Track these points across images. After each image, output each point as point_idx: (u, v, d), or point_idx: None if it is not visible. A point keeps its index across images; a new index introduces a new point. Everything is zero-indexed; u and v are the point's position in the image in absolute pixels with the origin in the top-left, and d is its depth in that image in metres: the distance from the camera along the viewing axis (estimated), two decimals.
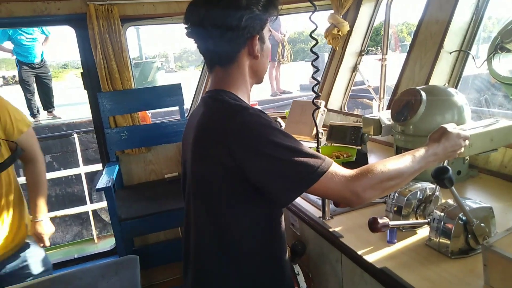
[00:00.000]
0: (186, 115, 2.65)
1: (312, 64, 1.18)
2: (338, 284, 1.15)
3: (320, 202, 1.29)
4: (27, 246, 1.51)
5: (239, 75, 0.97)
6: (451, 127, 1.01)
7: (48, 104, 6.17)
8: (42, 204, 1.54)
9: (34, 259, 1.51)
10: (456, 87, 1.84)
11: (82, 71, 2.47)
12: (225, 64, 0.96)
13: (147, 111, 2.73)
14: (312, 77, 1.21)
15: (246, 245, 0.93)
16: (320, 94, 1.14)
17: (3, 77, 8.65)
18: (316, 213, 1.26)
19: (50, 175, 3.61)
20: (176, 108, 2.60)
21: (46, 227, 1.53)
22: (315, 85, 1.36)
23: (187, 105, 2.70)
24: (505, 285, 0.76)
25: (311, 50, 1.14)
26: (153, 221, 2.08)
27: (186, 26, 0.96)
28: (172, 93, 2.54)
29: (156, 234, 2.67)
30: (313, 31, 1.07)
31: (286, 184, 0.83)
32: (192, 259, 1.00)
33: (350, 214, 1.22)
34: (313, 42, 1.14)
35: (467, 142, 1.03)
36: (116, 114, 2.43)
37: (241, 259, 0.93)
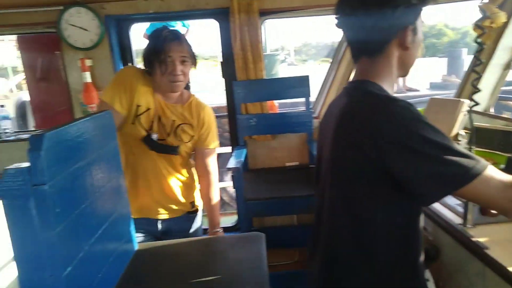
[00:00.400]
0: (310, 107, 2.69)
1: (475, 56, 1.08)
2: None
3: (459, 208, 1.19)
4: (192, 214, 1.73)
5: (386, 67, 0.95)
6: None
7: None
8: (216, 217, 1.70)
9: (194, 224, 1.75)
10: None
11: (221, 60, 2.71)
12: (372, 55, 0.95)
13: (275, 101, 2.85)
14: (473, 70, 1.11)
15: (381, 240, 0.91)
16: (480, 90, 1.05)
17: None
18: (454, 219, 1.17)
19: None
20: (300, 100, 2.66)
21: None
22: (476, 79, 1.24)
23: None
24: None
25: (475, 41, 1.05)
26: (274, 205, 2.18)
27: (336, 16, 0.98)
28: (300, 84, 2.60)
29: (273, 218, 2.81)
30: (480, 20, 0.98)
31: (433, 183, 0.79)
32: (322, 247, 1.02)
33: (499, 225, 1.10)
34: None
35: None
36: (248, 101, 2.60)
37: (375, 254, 0.92)
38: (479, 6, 2.29)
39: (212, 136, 1.67)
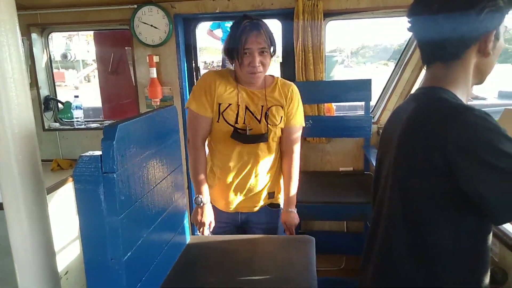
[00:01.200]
0: (370, 111, 2.61)
1: None
2: None
3: None
4: (274, 209, 1.76)
5: (461, 73, 0.89)
6: None
7: None
8: (293, 196, 1.73)
9: (275, 219, 1.77)
10: None
11: (281, 61, 2.71)
12: (448, 60, 0.89)
13: (332, 103, 2.81)
14: None
15: (443, 260, 0.85)
16: None
17: (205, 62, 10.29)
18: None
19: None
20: (358, 103, 2.59)
21: (294, 218, 1.72)
22: None
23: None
24: None
25: None
26: (324, 209, 2.16)
27: (409, 19, 0.93)
28: (361, 88, 2.53)
29: (321, 222, 2.77)
30: None
31: (507, 202, 0.73)
32: (377, 261, 0.97)
33: None
34: None
35: None
36: (306, 103, 2.57)
37: (435, 274, 0.85)
38: None
39: (299, 113, 1.69)
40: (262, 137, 1.60)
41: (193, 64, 2.78)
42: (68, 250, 2.05)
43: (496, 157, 0.73)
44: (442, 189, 0.81)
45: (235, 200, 1.68)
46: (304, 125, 1.73)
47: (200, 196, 1.62)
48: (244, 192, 1.67)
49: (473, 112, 0.77)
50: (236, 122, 1.61)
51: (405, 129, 0.89)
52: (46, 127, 2.86)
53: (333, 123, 2.60)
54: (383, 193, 0.97)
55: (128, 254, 0.98)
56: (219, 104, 1.60)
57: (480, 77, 0.92)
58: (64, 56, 6.24)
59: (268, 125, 1.61)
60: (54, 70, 3.18)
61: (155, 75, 2.61)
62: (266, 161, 1.66)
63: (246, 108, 1.61)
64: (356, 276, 1.08)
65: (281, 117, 1.64)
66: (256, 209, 1.71)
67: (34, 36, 2.74)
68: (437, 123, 0.81)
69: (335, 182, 2.50)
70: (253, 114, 1.62)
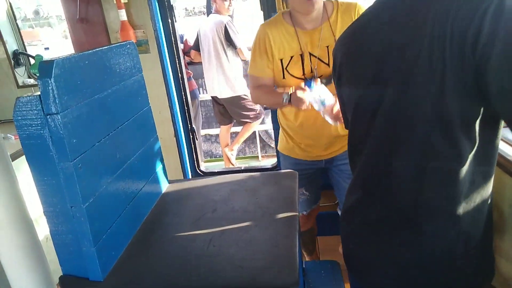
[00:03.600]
0: None
1: None
2: None
3: None
4: None
5: None
6: None
7: None
8: None
9: None
10: None
11: None
12: None
13: None
14: None
15: (468, 178, 0.75)
16: None
17: (186, 9, 9.70)
18: None
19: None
20: None
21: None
22: None
23: None
24: None
25: None
26: None
27: None
28: None
29: None
30: None
31: None
32: (383, 191, 0.86)
33: None
34: None
35: None
36: None
37: (459, 194, 0.77)
38: None
39: None
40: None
41: (166, 3, 2.58)
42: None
43: None
44: (471, 95, 0.68)
45: (320, 149, 1.65)
46: None
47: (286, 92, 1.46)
48: (324, 141, 1.62)
49: None
50: (303, 73, 1.49)
51: (413, 30, 0.72)
52: (20, 84, 2.73)
53: None
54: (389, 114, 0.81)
55: (90, 201, 0.92)
56: (281, 60, 1.49)
57: None
58: (36, 12, 5.88)
59: None
60: (28, 29, 2.97)
61: (125, 18, 2.43)
62: None
63: (310, 54, 1.48)
64: None
65: None
66: (339, 152, 1.67)
67: None
68: (464, 6, 0.64)
69: None
70: (319, 59, 1.47)
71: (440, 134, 0.73)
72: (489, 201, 0.82)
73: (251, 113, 3.49)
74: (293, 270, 0.92)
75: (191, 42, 3.65)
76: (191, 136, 2.67)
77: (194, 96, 3.40)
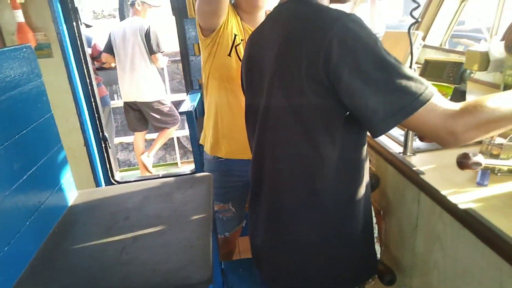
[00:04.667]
0: None
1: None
2: (411, 224, 1.07)
3: (400, 137, 1.19)
4: None
5: None
6: None
7: None
8: None
9: None
10: None
11: None
12: None
13: None
14: (411, 14, 0.98)
15: (333, 176, 0.85)
16: (419, 20, 0.96)
17: (94, 12, 9.16)
18: (395, 148, 1.17)
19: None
20: None
21: None
22: (415, 8, 1.13)
23: None
24: None
25: None
26: None
27: None
28: None
29: None
30: None
31: (382, 112, 0.71)
32: (267, 190, 0.95)
33: (436, 152, 1.10)
34: None
35: None
36: None
37: (322, 191, 0.86)
38: None
39: None
40: None
41: (70, 5, 2.43)
42: None
43: (371, 64, 0.71)
44: (327, 103, 0.78)
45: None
46: None
47: None
48: None
49: (350, 17, 0.74)
50: None
51: (283, 46, 0.82)
52: None
53: None
54: (264, 120, 0.92)
55: None
56: (235, 36, 1.39)
57: None
58: None
59: None
60: None
61: (22, 19, 2.24)
62: None
63: None
64: None
65: None
66: None
67: None
68: (316, 31, 0.75)
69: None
70: None
71: (303, 138, 0.83)
72: (361, 196, 0.91)
73: (169, 119, 3.44)
74: (207, 267, 0.95)
75: (101, 46, 3.48)
76: (103, 145, 2.54)
77: (105, 102, 3.25)
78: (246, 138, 1.53)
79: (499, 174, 0.94)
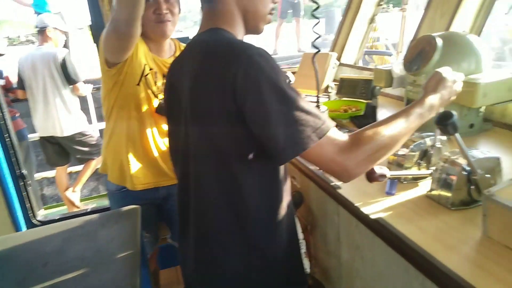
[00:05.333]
0: None
1: (313, 30, 1.03)
2: (335, 236, 1.13)
3: None
4: None
5: (225, 13, 0.88)
6: (445, 71, 0.90)
7: None
8: None
9: None
10: (479, 35, 1.70)
11: (90, 24, 2.42)
12: (208, 1, 0.88)
13: None
14: (312, 45, 1.06)
15: (253, 200, 0.86)
16: (320, 49, 1.05)
17: (8, 37, 8.51)
18: None
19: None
20: None
21: None
22: (316, 38, 1.21)
23: None
24: (503, 235, 0.72)
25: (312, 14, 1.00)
26: None
27: None
28: None
29: None
30: None
31: (282, 143, 0.74)
32: (194, 218, 0.94)
33: None
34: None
35: (460, 84, 0.93)
36: None
37: (247, 215, 0.87)
38: None
39: None
40: None
41: None
42: None
43: (274, 97, 0.73)
44: (239, 132, 0.80)
45: (155, 175, 1.50)
46: None
47: None
48: (163, 166, 1.49)
49: (256, 50, 0.76)
50: (153, 92, 1.42)
51: (195, 79, 0.84)
52: None
53: None
54: (186, 150, 0.91)
55: None
56: (145, 65, 1.37)
57: (251, 21, 0.91)
58: None
59: None
60: None
61: None
62: None
63: (164, 76, 1.42)
64: None
65: None
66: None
67: None
68: (224, 63, 0.77)
69: None
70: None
71: (221, 167, 0.85)
72: (283, 217, 0.92)
73: (95, 149, 3.25)
74: None
75: (15, 75, 3.22)
76: (21, 183, 2.34)
77: (22, 137, 3.00)
78: (154, 166, 1.52)
79: (405, 182, 1.03)
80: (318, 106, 1.40)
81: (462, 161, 0.88)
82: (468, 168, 0.86)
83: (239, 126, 0.78)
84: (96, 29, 2.37)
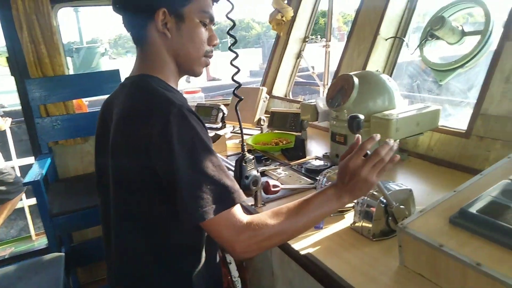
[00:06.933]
0: None
1: (231, 63, 1.02)
2: (270, 272, 1.14)
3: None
4: None
5: (156, 57, 0.87)
6: (366, 169, 0.77)
7: None
8: None
9: None
10: (391, 74, 1.89)
11: (7, 55, 2.26)
12: (140, 44, 0.88)
13: (83, 99, 2.57)
14: (232, 79, 1.07)
15: (174, 241, 0.85)
16: (241, 84, 1.05)
17: None
18: (249, 201, 1.24)
19: None
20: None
21: None
22: (235, 73, 1.23)
23: None
24: (417, 265, 0.78)
25: (228, 33, 1.02)
26: (89, 215, 1.96)
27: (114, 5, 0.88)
28: (110, 79, 2.40)
29: (97, 228, 2.55)
30: (229, 12, 0.99)
31: (190, 208, 0.72)
32: (116, 263, 0.92)
33: (282, 200, 1.22)
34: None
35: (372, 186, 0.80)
36: (48, 102, 2.26)
37: (169, 256, 0.86)
38: (272, 1, 2.53)
39: None
40: None
41: None
42: None
43: (190, 161, 0.73)
44: (154, 185, 0.78)
45: None
46: None
47: None
48: None
49: (178, 110, 0.75)
50: None
51: (115, 129, 0.83)
52: None
53: (86, 120, 2.37)
54: (106, 195, 0.90)
55: None
56: None
57: (182, 64, 0.90)
58: None
59: None
60: None
61: None
62: None
63: None
64: None
65: None
66: None
67: None
68: (143, 119, 0.77)
69: None
70: None
71: (128, 222, 0.86)
72: (205, 261, 0.91)
73: (12, 188, 2.97)
74: None
75: None
76: None
77: None
78: None
79: (332, 215, 1.08)
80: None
81: (379, 194, 0.95)
82: (384, 201, 0.94)
83: (155, 184, 0.78)
84: (14, 61, 2.23)
